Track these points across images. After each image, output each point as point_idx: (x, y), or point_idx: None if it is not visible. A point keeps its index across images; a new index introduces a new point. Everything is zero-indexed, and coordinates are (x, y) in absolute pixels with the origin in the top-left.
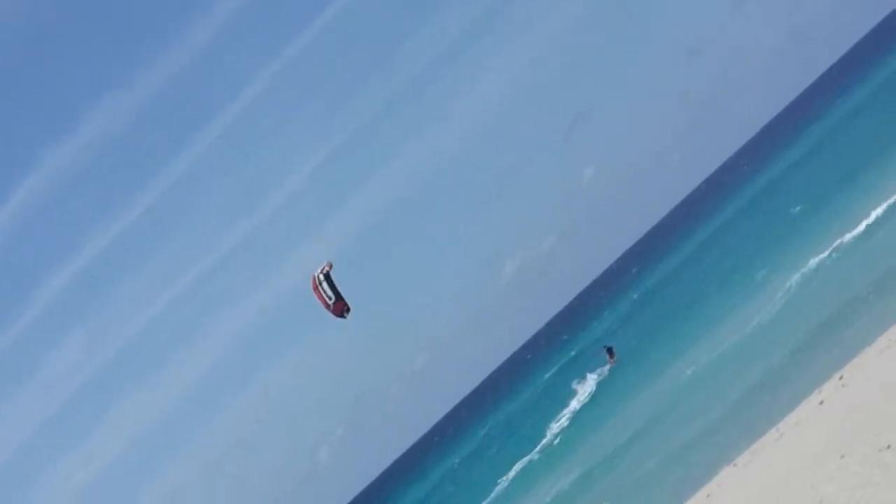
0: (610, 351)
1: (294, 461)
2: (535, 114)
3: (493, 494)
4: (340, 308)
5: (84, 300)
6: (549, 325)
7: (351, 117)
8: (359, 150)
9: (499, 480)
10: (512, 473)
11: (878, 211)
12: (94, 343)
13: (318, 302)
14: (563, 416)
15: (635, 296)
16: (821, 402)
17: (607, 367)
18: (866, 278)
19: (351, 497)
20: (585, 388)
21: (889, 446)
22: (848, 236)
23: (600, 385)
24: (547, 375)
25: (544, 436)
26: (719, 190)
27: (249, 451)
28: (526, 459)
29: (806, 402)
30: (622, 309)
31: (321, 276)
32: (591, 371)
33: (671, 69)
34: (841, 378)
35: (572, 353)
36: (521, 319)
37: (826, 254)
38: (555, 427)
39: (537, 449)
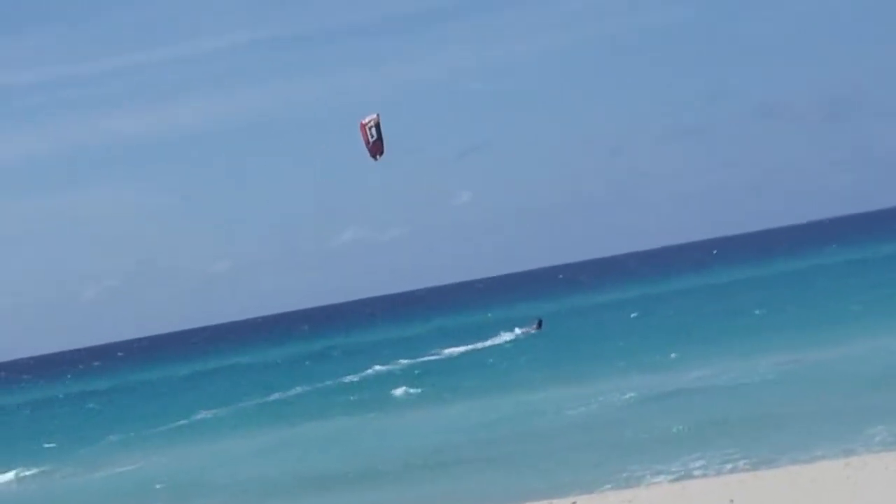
0: (540, 323)
1: (55, 284)
2: (453, 118)
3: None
4: (378, 148)
5: None
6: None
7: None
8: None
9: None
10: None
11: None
12: None
13: (362, 139)
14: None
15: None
16: None
17: (526, 329)
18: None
19: (81, 345)
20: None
21: None
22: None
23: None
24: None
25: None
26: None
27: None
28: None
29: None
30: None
31: (371, 123)
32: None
33: (589, 156)
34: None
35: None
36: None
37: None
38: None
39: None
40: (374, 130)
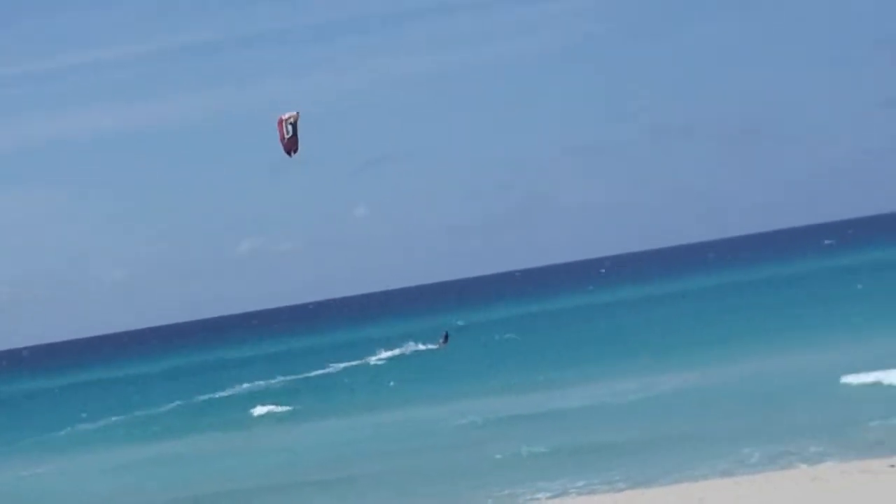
0: (446, 337)
1: None
2: (355, 131)
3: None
4: (291, 145)
5: None
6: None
7: None
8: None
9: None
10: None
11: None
12: None
13: (278, 134)
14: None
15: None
16: None
17: (434, 346)
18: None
19: None
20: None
21: None
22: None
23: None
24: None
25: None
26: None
27: None
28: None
29: None
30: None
31: (291, 119)
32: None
33: (491, 171)
34: None
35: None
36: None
37: None
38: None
39: None
40: (290, 128)
